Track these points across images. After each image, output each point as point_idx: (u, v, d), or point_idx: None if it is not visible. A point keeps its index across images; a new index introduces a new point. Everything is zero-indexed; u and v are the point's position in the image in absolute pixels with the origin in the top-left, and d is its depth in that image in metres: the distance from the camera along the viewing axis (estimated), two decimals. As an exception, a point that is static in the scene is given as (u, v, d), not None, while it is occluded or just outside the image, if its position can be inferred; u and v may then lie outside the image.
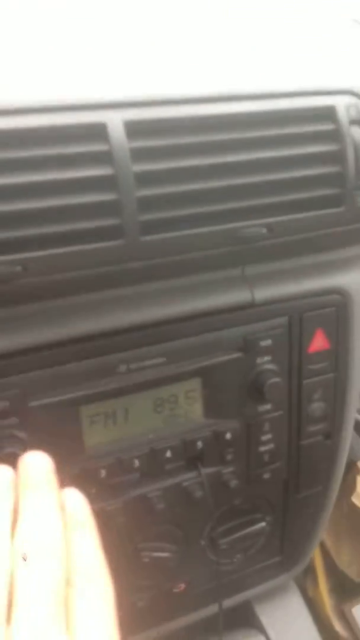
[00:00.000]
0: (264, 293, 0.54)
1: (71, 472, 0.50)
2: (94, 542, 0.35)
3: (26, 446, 0.47)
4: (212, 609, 0.70)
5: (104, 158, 0.42)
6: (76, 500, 0.37)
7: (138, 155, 0.43)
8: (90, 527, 0.36)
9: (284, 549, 0.71)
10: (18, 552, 0.31)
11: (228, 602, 0.69)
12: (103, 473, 0.52)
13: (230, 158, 0.46)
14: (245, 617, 0.76)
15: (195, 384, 0.55)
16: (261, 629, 0.74)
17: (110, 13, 0.58)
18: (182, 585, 0.66)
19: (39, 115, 0.41)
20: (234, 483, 0.58)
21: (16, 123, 0.40)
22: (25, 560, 0.31)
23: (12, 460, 0.44)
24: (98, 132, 0.42)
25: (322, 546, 0.95)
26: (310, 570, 0.97)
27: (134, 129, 0.43)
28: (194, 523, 0.62)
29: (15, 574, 0.30)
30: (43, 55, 0.47)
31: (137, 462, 0.53)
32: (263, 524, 0.67)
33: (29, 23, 0.51)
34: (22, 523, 0.33)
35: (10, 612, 0.29)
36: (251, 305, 0.54)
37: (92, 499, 0.53)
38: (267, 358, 0.56)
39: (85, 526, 0.36)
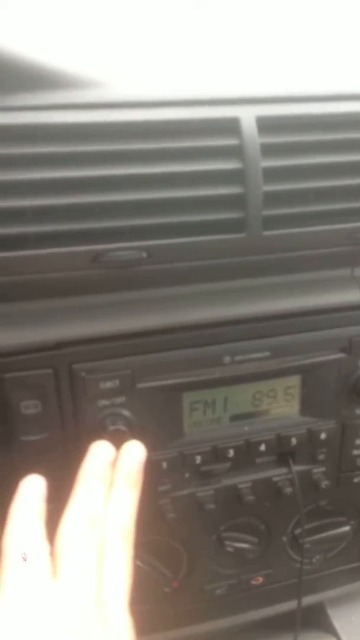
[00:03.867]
0: (373, 295, 0.53)
1: (168, 455, 0.52)
2: (132, 507, 0.42)
3: (131, 425, 0.49)
4: (286, 606, 0.70)
5: (235, 152, 0.43)
6: (135, 460, 0.44)
7: (268, 150, 0.43)
8: (136, 490, 0.43)
9: (365, 555, 0.70)
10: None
11: (302, 602, 0.68)
12: (198, 459, 0.53)
13: (358, 157, 0.45)
14: (317, 619, 0.76)
15: (295, 380, 0.55)
16: (333, 632, 0.73)
17: (234, 15, 0.59)
18: (260, 579, 0.67)
19: (174, 109, 0.42)
20: (323, 483, 0.58)
21: (153, 115, 0.42)
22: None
23: (117, 436, 0.46)
24: (231, 126, 0.43)
25: None
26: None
27: (265, 125, 0.43)
28: (278, 519, 0.62)
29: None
30: (177, 52, 0.48)
31: (231, 452, 0.54)
32: (347, 528, 0.66)
33: (161, 22, 0.53)
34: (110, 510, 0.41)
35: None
36: (359, 306, 0.53)
37: (184, 483, 0.55)
38: None
39: (133, 488, 0.43)
